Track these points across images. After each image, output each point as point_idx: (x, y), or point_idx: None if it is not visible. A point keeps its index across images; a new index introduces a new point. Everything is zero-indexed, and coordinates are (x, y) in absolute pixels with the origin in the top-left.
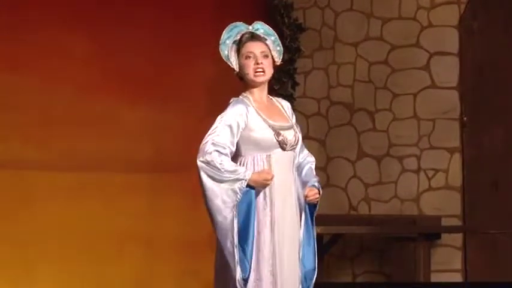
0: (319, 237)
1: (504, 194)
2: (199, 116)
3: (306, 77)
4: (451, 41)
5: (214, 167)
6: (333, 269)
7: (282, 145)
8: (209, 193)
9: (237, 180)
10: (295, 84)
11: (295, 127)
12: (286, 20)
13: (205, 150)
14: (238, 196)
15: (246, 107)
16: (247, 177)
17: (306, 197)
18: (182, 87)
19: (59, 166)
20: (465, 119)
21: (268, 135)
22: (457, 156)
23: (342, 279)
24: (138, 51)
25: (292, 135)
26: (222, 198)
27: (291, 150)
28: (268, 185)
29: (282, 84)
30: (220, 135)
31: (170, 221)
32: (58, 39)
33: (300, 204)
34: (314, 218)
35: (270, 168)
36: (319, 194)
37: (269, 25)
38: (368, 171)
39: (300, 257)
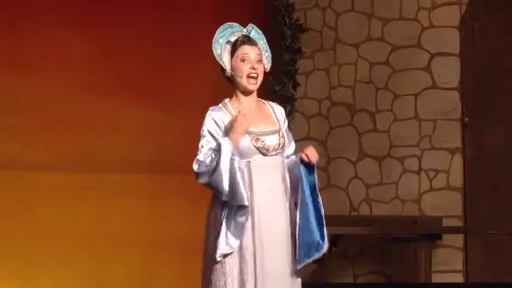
0: None
1: (505, 195)
2: (200, 117)
3: (307, 77)
4: (452, 41)
5: (205, 164)
6: (334, 270)
7: (262, 150)
8: (219, 177)
9: (223, 144)
10: (296, 84)
11: (282, 132)
12: (287, 21)
13: (194, 168)
14: (232, 149)
15: (220, 117)
16: (227, 138)
17: (305, 157)
18: (183, 88)
19: (59, 166)
20: (466, 119)
21: (245, 142)
22: (458, 157)
23: (343, 279)
24: (139, 52)
25: (276, 139)
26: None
27: (275, 154)
28: (244, 123)
29: (283, 85)
30: (202, 151)
31: (171, 222)
32: (59, 40)
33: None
34: (316, 187)
35: (251, 176)
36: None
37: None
38: (369, 172)
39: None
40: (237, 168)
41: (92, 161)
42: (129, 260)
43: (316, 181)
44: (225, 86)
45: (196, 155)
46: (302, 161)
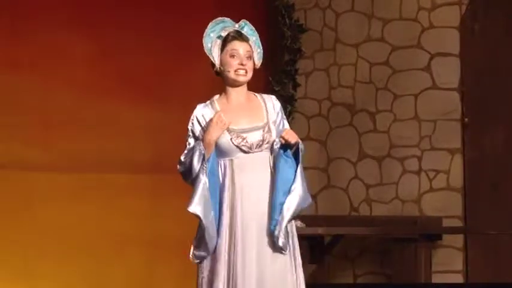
0: (321, 238)
1: (505, 195)
2: None
3: (307, 78)
4: (452, 42)
5: (184, 165)
6: (334, 270)
7: (243, 148)
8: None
9: (197, 146)
10: (296, 85)
11: (269, 126)
12: (287, 21)
13: (178, 168)
14: (203, 154)
15: (203, 114)
16: (200, 141)
17: (282, 140)
18: (183, 88)
19: (59, 167)
20: (466, 120)
21: (225, 140)
22: (458, 157)
23: (343, 280)
24: (139, 52)
25: (259, 135)
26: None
27: (259, 151)
28: (219, 124)
29: (283, 85)
30: (184, 151)
31: (171, 222)
32: (59, 40)
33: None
34: (298, 172)
35: (233, 174)
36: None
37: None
38: (369, 172)
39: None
40: (200, 176)
41: (92, 161)
42: (129, 260)
43: (300, 166)
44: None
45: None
46: (283, 145)
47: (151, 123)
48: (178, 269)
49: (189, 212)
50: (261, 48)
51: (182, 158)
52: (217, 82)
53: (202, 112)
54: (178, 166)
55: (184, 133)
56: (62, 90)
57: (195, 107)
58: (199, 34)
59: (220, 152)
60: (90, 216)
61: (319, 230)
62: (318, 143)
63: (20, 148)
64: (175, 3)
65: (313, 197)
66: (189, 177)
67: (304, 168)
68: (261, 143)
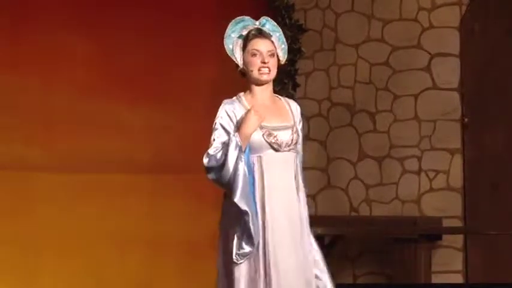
0: (320, 238)
1: (505, 195)
2: (200, 117)
3: (306, 78)
4: (452, 42)
5: (215, 159)
6: (333, 270)
7: (274, 146)
8: (227, 172)
9: (233, 138)
10: (296, 85)
11: (296, 127)
12: (287, 21)
13: (204, 162)
14: (240, 146)
15: (233, 110)
16: (237, 134)
17: None
18: (184, 88)
19: (59, 167)
20: (466, 120)
21: (257, 137)
22: (458, 158)
23: (342, 280)
24: (139, 52)
25: (289, 135)
26: (232, 160)
27: (287, 151)
28: (256, 118)
29: (283, 85)
30: (213, 145)
31: (171, 222)
32: (59, 40)
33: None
34: None
35: (262, 171)
36: None
37: None
38: (369, 173)
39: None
40: (240, 167)
41: (92, 162)
42: (129, 260)
43: None
44: (226, 86)
45: (207, 149)
46: None
47: (151, 123)
48: (178, 269)
49: (236, 203)
50: (286, 44)
51: (211, 151)
52: (217, 82)
53: (231, 107)
54: (205, 160)
55: (184, 132)
56: (62, 90)
57: (195, 107)
58: (199, 34)
59: (250, 148)
60: (90, 216)
61: (319, 230)
62: (317, 143)
63: (20, 148)
64: (176, 3)
65: (313, 197)
66: (219, 171)
67: (304, 169)
68: (290, 142)
